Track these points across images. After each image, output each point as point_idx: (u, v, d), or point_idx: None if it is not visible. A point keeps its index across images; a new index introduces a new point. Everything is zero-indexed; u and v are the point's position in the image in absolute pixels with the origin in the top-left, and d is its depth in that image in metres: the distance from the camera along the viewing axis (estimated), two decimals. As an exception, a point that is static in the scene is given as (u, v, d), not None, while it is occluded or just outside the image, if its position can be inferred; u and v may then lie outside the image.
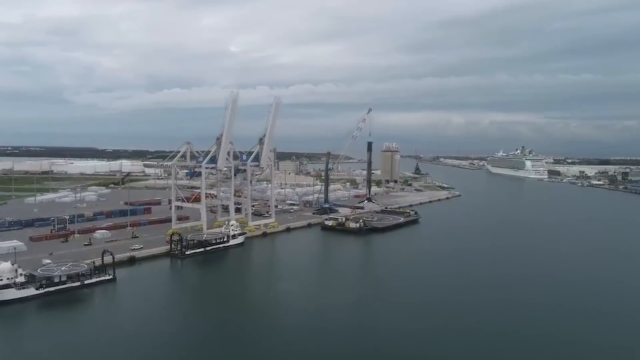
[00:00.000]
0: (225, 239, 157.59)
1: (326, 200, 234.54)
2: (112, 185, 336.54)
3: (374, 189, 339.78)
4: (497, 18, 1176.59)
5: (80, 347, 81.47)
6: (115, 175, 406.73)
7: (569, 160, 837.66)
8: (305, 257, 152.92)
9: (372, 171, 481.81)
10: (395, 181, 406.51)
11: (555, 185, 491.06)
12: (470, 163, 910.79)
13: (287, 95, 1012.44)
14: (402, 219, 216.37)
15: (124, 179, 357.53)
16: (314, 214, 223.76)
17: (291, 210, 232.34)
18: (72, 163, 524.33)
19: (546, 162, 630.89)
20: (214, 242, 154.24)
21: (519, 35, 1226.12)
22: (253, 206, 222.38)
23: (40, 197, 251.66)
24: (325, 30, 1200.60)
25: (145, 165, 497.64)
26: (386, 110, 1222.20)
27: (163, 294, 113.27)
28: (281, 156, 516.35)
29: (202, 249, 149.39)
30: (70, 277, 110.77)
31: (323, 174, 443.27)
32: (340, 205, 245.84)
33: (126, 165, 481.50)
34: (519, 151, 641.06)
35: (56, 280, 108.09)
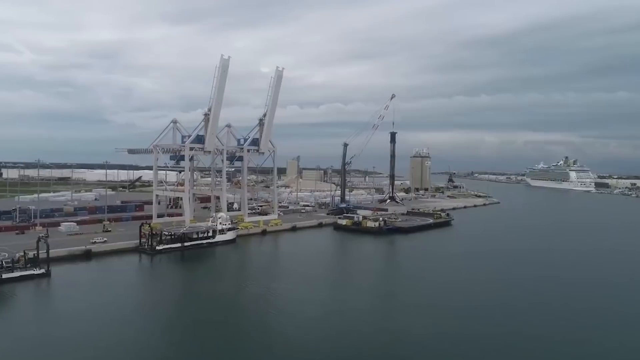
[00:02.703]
0: (210, 234, 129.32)
1: (343, 200, 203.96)
2: (121, 189, 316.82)
3: (401, 194, 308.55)
4: (525, 37, 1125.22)
5: None
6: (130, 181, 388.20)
7: (615, 176, 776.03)
8: (309, 258, 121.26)
9: (401, 180, 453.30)
10: (426, 189, 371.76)
11: (606, 197, 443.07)
12: (507, 178, 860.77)
13: (318, 114, 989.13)
14: (431, 221, 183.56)
15: (134, 183, 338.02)
16: (328, 214, 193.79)
17: (303, 211, 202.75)
18: (93, 171, 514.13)
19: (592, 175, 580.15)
20: (196, 237, 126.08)
21: (549, 54, 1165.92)
22: (261, 206, 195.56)
23: (31, 197, 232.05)
24: (353, 52, 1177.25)
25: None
26: (417, 129, 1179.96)
27: (107, 295, 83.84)
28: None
29: (179, 245, 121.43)
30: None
31: (349, 183, 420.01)
32: (360, 208, 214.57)
33: (143, 173, 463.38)
34: (561, 162, 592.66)
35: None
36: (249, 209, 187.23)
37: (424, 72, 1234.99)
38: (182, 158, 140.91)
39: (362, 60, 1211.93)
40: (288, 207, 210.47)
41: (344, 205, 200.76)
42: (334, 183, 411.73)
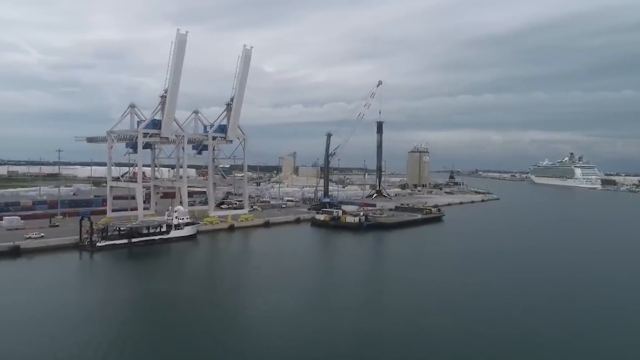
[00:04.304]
0: (164, 229, 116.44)
1: (326, 194, 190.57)
2: (104, 184, 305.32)
3: (396, 190, 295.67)
4: (527, 36, 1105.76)
5: None
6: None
7: (622, 174, 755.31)
8: (276, 256, 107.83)
9: (400, 177, 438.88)
10: (424, 185, 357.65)
11: (611, 194, 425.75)
12: (512, 176, 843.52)
13: (322, 114, 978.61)
14: (419, 216, 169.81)
15: (118, 178, 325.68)
16: (309, 209, 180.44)
17: (283, 206, 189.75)
18: (84, 168, 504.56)
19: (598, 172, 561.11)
20: (146, 232, 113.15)
21: (551, 53, 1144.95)
22: (240, 201, 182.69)
23: (3, 191, 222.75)
24: (356, 51, 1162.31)
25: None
26: (420, 128, 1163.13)
27: (21, 296, 70.97)
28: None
29: (126, 241, 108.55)
30: None
31: (347, 180, 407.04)
32: (347, 203, 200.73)
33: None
34: (567, 159, 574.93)
35: None
36: (225, 204, 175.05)
37: (427, 72, 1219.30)
38: (145, 146, 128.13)
39: (364, 59, 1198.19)
40: (269, 202, 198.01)
41: (327, 199, 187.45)
42: (331, 180, 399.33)
